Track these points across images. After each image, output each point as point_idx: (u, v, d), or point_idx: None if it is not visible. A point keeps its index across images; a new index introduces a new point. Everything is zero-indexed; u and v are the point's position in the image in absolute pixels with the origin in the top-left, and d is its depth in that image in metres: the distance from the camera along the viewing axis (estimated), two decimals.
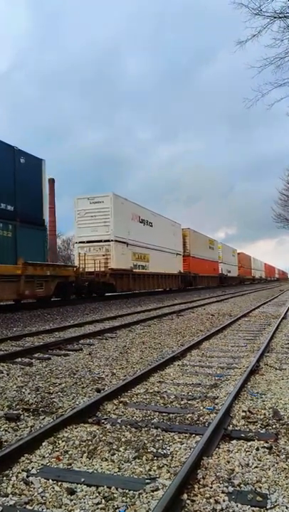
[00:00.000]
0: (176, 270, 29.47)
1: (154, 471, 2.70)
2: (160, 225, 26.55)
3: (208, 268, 38.67)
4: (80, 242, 20.38)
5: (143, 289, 23.94)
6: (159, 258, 25.78)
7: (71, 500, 2.36)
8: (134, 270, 21.90)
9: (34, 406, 4.03)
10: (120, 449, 3.03)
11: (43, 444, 3.09)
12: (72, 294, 18.04)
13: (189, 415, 3.77)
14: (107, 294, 20.73)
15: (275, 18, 13.62)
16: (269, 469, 2.70)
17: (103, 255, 19.64)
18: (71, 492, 2.43)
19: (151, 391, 4.57)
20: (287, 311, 13.26)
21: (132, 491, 2.42)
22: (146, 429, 3.42)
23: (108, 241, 19.88)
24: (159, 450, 3.01)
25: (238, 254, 56.66)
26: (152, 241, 24.79)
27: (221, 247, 45.56)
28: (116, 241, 20.07)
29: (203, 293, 29.34)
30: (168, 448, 3.06)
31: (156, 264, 25.14)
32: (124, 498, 2.36)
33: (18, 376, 5.23)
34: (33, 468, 2.74)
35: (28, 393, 4.44)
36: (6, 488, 2.49)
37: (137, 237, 22.59)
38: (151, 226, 25.02)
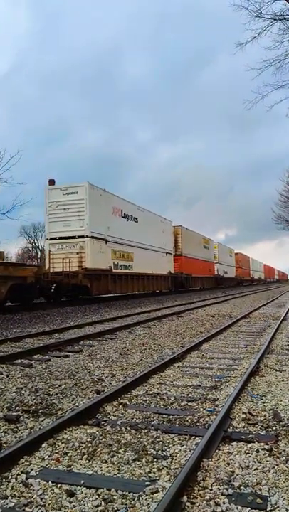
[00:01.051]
0: (165, 271, 27.21)
1: (154, 473, 2.69)
2: (147, 220, 24.10)
3: (203, 268, 36.74)
4: (52, 239, 17.90)
5: (126, 291, 21.23)
6: (146, 257, 23.37)
7: (71, 502, 2.35)
8: (114, 270, 19.34)
9: (34, 407, 4.03)
10: (120, 450, 3.03)
11: (43, 445, 3.08)
12: (35, 298, 15.69)
13: (189, 417, 3.76)
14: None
15: (274, 20, 13.70)
16: (269, 471, 2.69)
17: (77, 253, 17.05)
18: (71, 494, 2.42)
19: (151, 393, 4.56)
20: (287, 313, 13.24)
21: (131, 493, 2.41)
22: (146, 430, 3.42)
23: (83, 237, 17.32)
24: (159, 452, 3.00)
25: (236, 254, 55.54)
26: (137, 238, 22.27)
27: (217, 246, 43.93)
28: (92, 237, 17.50)
29: (204, 294, 29.32)
30: (168, 450, 3.05)
31: (142, 264, 22.66)
32: (123, 500, 2.35)
33: (18, 377, 5.22)
34: (32, 470, 2.73)
35: (28, 395, 4.43)
36: (6, 490, 2.48)
37: (119, 234, 20.03)
38: (136, 222, 22.44)
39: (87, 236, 17.33)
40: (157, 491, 2.44)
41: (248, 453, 2.98)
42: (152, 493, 2.41)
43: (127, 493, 2.42)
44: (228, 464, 2.80)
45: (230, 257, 51.76)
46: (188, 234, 33.13)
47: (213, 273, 41.14)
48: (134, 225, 22.20)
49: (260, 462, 2.83)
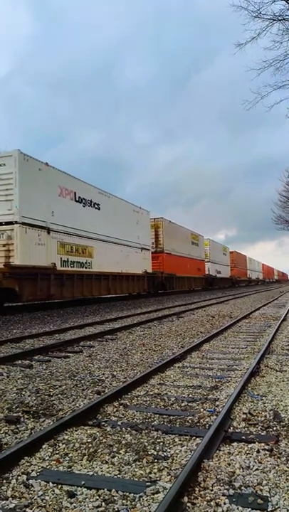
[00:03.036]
0: (140, 269, 22.40)
1: (155, 473, 2.69)
2: (114, 208, 19.53)
3: (191, 268, 32.38)
4: None
5: (81, 295, 16.49)
6: (112, 253, 18.97)
7: (71, 503, 2.35)
8: (60, 269, 14.61)
9: (34, 408, 4.02)
10: (120, 451, 3.03)
11: (43, 446, 3.08)
12: None
13: (190, 417, 3.76)
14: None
15: (274, 20, 13.71)
16: (270, 472, 2.69)
17: (4, 245, 12.78)
18: (71, 495, 2.42)
19: (151, 393, 4.56)
20: (287, 313, 13.24)
21: (132, 494, 2.41)
22: (146, 431, 3.41)
23: (10, 223, 12.86)
24: (160, 452, 3.00)
25: (231, 253, 51.62)
26: (100, 229, 17.85)
27: (209, 243, 39.79)
28: (24, 224, 13.04)
29: (204, 295, 29.31)
30: (168, 450, 3.05)
31: (107, 261, 18.29)
32: (124, 501, 2.35)
33: (18, 378, 5.22)
34: (33, 471, 2.73)
35: (28, 395, 4.43)
36: (6, 491, 2.48)
37: (70, 222, 15.56)
38: (98, 209, 17.99)
39: (16, 222, 12.86)
40: (158, 492, 2.43)
41: (249, 453, 2.97)
42: (153, 494, 2.41)
43: (127, 493, 2.42)
44: (229, 464, 2.80)
45: (225, 255, 47.59)
46: (172, 228, 28.73)
47: (203, 273, 36.98)
48: (94, 213, 17.67)
49: (260, 463, 2.83)
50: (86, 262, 16.77)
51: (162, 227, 26.64)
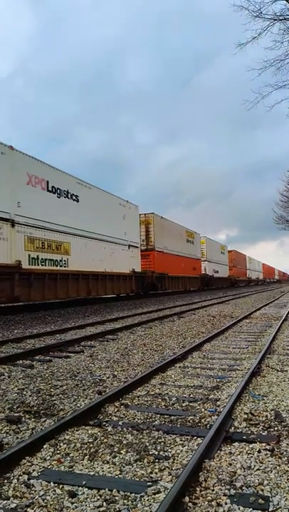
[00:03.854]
0: (127, 268, 20.35)
1: (156, 473, 2.69)
2: (95, 201, 17.51)
3: (185, 267, 30.43)
4: None
5: (54, 297, 14.70)
6: (93, 250, 17.00)
7: (72, 503, 2.35)
8: (27, 267, 12.87)
9: (35, 408, 4.03)
10: (122, 451, 3.03)
11: (44, 446, 3.08)
12: None
13: (191, 417, 3.76)
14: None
15: (275, 20, 13.69)
16: (271, 472, 2.69)
17: None
18: (72, 495, 2.42)
19: (152, 393, 4.56)
20: (288, 313, 13.23)
21: (133, 494, 2.41)
22: (147, 431, 3.41)
23: None
24: (161, 452, 3.00)
25: (230, 252, 49.63)
26: (79, 223, 15.95)
27: (205, 241, 37.76)
28: None
29: (204, 295, 29.31)
30: (169, 450, 3.05)
31: (87, 259, 16.44)
32: (125, 501, 2.35)
33: (20, 378, 5.22)
34: (34, 471, 2.73)
35: (29, 395, 4.43)
36: (7, 491, 2.48)
37: (41, 214, 13.74)
38: (77, 201, 16.08)
39: None
40: (159, 492, 2.43)
41: (250, 453, 2.97)
42: (154, 494, 2.41)
43: (128, 493, 2.42)
44: (230, 464, 2.80)
45: (223, 254, 45.42)
46: (164, 224, 26.58)
47: (199, 272, 34.85)
48: (72, 205, 15.74)
49: (261, 462, 2.82)
50: (61, 260, 14.84)
51: (153, 223, 24.59)
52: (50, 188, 14.48)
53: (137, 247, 21.94)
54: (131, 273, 20.77)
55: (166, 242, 26.40)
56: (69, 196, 15.61)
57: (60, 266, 14.78)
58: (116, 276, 19.04)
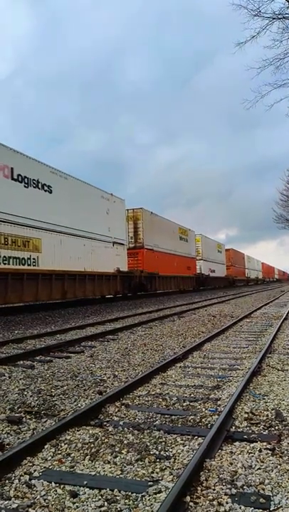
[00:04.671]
0: (111, 268, 18.51)
1: (157, 473, 2.69)
2: (72, 193, 15.63)
3: (178, 266, 28.56)
4: None
5: (19, 300, 13.08)
6: (69, 247, 15.09)
7: (74, 503, 2.35)
8: None
9: (36, 409, 4.03)
10: (123, 451, 3.03)
11: (46, 446, 3.09)
12: None
13: (191, 417, 3.76)
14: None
15: (274, 19, 13.68)
16: (272, 471, 2.69)
17: None
18: (74, 495, 2.42)
19: (153, 393, 4.56)
20: (288, 313, 13.23)
21: (134, 494, 2.41)
22: (148, 431, 3.42)
23: None
24: (162, 452, 3.01)
25: (227, 250, 47.77)
26: (51, 217, 14.07)
27: (201, 239, 35.94)
28: None
29: (205, 294, 29.31)
30: (170, 450, 3.05)
31: (61, 258, 14.59)
32: (127, 501, 2.35)
33: (20, 379, 5.22)
34: (35, 471, 2.73)
35: (30, 396, 4.44)
36: (9, 491, 2.48)
37: (3, 206, 11.97)
38: (50, 192, 14.21)
39: None
40: (160, 492, 2.44)
41: (251, 453, 2.97)
42: (155, 494, 2.41)
43: (130, 493, 2.42)
44: (231, 463, 2.80)
45: (220, 253, 43.72)
46: (155, 220, 24.69)
47: (194, 271, 33.04)
48: (43, 196, 13.90)
49: (262, 462, 2.83)
50: (30, 258, 12.97)
51: (142, 219, 22.49)
52: (15, 176, 12.59)
53: (123, 244, 19.97)
54: (115, 272, 18.92)
55: (156, 240, 24.56)
56: (40, 186, 13.77)
57: (28, 265, 12.96)
58: (98, 276, 17.21)
